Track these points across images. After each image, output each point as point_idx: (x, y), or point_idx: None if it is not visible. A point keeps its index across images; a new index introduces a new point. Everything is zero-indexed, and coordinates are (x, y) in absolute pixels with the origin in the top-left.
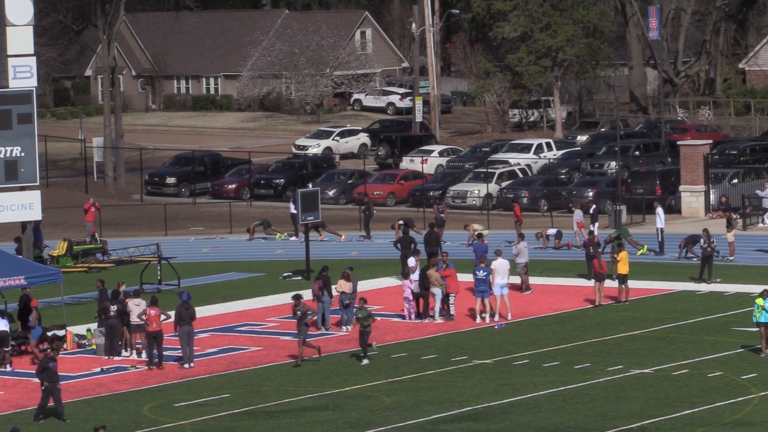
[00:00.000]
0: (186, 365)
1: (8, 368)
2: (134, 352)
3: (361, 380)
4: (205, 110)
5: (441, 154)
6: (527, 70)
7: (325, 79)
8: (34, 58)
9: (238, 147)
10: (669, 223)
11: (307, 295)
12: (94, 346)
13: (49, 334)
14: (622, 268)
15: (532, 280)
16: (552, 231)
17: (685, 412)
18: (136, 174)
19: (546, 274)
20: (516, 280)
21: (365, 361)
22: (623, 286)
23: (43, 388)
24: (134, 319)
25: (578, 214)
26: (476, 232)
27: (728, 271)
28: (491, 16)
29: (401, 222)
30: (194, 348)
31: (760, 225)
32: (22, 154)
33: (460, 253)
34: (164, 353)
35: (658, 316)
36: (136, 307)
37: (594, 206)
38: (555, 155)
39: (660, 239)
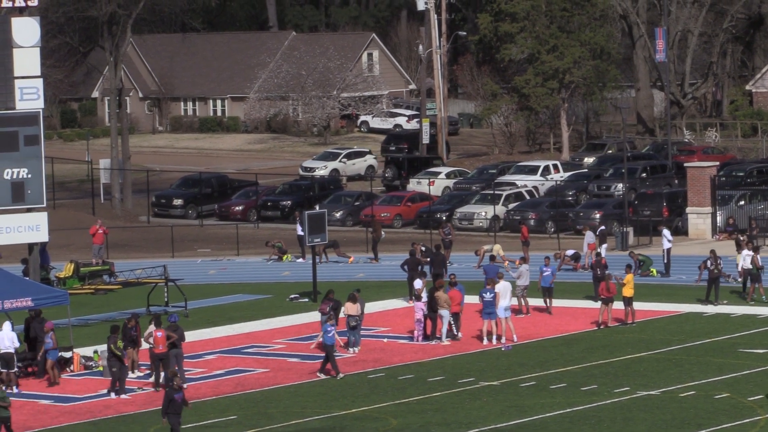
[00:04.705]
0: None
1: (15, 390)
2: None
3: (368, 402)
4: (212, 132)
5: (448, 176)
6: (534, 91)
7: (332, 100)
8: (41, 80)
9: (245, 169)
10: (676, 245)
11: (314, 317)
12: (101, 368)
13: (61, 354)
14: (628, 291)
15: (536, 303)
16: (570, 252)
17: None
18: (143, 196)
19: (553, 296)
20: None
21: None
22: (628, 309)
23: (169, 423)
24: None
25: (589, 236)
26: (488, 253)
27: (735, 293)
28: (498, 38)
29: (423, 248)
30: (201, 370)
31: None
32: (29, 176)
33: (468, 275)
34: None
35: (664, 337)
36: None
37: (602, 228)
38: (562, 177)
39: (666, 261)
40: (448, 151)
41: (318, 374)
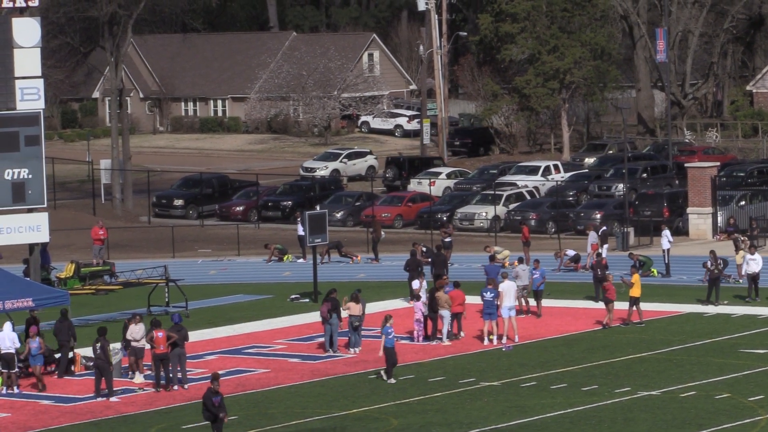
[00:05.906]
0: (176, 387)
1: (16, 390)
2: (141, 375)
3: (368, 402)
4: (212, 132)
5: (449, 176)
6: (535, 92)
7: (333, 101)
8: (41, 80)
9: (246, 169)
10: (676, 245)
11: (314, 317)
12: None
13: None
14: (635, 291)
15: (531, 304)
16: (571, 252)
17: None
18: (143, 196)
19: (553, 296)
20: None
21: None
22: (634, 309)
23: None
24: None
25: (592, 236)
26: (491, 254)
27: (735, 293)
28: (499, 38)
29: (424, 248)
30: (202, 370)
31: None
32: (30, 176)
33: (469, 275)
34: (170, 375)
35: (665, 338)
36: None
37: (603, 228)
38: (563, 177)
39: (666, 261)
40: (514, 143)
41: (389, 380)
